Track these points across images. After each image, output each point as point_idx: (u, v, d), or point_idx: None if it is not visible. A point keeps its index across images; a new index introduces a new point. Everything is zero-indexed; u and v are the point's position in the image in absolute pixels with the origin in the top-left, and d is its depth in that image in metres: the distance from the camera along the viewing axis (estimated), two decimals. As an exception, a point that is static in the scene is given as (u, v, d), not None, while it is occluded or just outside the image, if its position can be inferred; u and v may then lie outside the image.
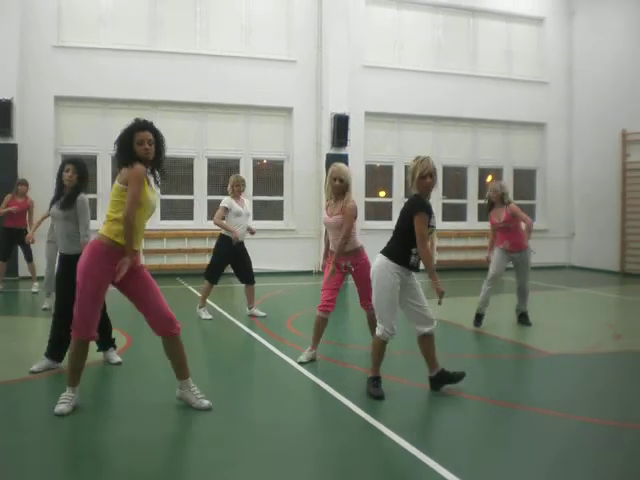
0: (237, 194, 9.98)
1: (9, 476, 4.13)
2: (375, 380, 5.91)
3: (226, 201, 9.91)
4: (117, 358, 6.87)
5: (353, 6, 17.29)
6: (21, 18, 14.79)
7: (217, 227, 10.01)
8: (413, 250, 5.85)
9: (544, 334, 8.91)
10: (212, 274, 9.96)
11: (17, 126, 14.64)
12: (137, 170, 5.17)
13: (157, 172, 5.46)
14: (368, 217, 17.74)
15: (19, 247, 12.38)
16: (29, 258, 12.26)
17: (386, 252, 5.97)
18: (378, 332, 5.85)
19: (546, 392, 6.25)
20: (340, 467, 4.39)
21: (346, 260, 7.03)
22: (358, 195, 17.31)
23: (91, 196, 15.65)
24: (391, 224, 18.69)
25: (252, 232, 10.19)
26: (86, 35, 15.66)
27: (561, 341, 8.58)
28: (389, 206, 18.26)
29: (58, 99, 15.39)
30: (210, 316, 9.76)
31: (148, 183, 5.30)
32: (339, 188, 7.08)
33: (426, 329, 5.93)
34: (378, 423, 5.08)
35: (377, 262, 5.99)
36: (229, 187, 10.06)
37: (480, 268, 17.41)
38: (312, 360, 7.05)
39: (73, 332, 5.25)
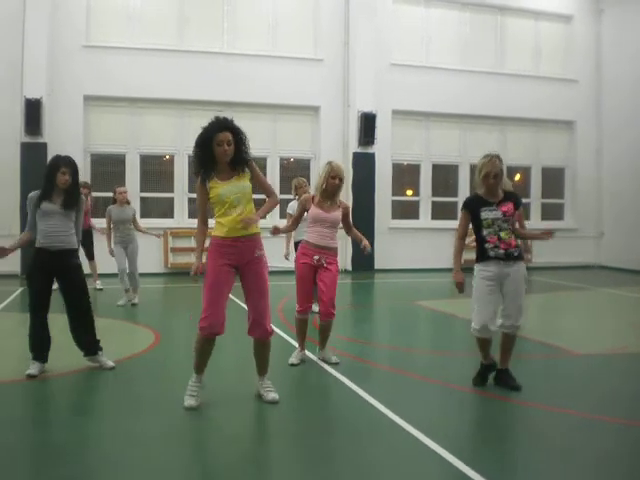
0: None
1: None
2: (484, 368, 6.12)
3: (291, 207, 10.07)
4: (110, 363, 6.65)
5: (380, 4, 17.28)
6: (51, 18, 14.97)
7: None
8: (487, 245, 5.92)
9: (572, 334, 8.83)
10: None
11: (46, 125, 14.81)
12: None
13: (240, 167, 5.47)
14: (395, 216, 17.71)
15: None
16: (91, 256, 12.62)
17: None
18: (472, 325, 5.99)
19: (573, 393, 6.20)
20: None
21: (322, 255, 6.88)
22: (385, 194, 17.35)
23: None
24: (418, 223, 18.77)
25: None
26: (115, 35, 15.80)
27: (589, 341, 8.51)
28: (416, 205, 18.20)
29: (87, 98, 15.52)
30: None
31: (213, 181, 5.41)
32: (338, 187, 6.91)
33: (505, 330, 6.02)
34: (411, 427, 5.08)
35: (522, 269, 6.06)
36: (294, 191, 10.15)
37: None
38: (302, 361, 7.00)
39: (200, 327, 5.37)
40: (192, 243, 15.88)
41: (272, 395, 5.59)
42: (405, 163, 18.49)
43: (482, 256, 5.96)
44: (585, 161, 19.18)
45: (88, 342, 6.58)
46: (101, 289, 12.43)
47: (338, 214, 6.91)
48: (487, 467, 4.22)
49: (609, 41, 18.87)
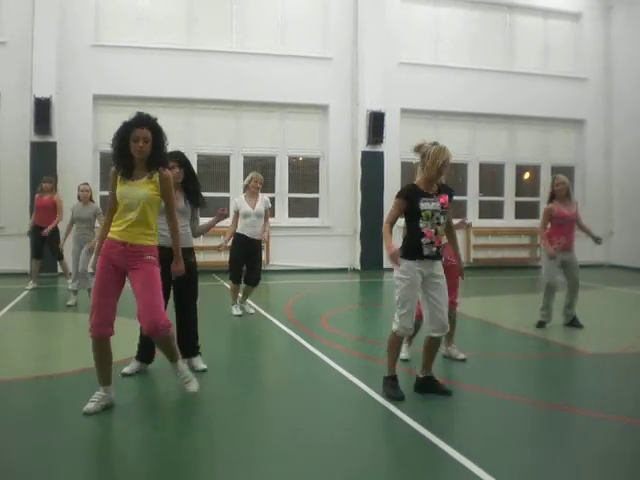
0: (252, 191, 9.94)
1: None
2: (393, 380, 5.77)
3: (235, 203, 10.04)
4: (202, 365, 6.49)
5: (389, 2, 17.27)
6: (60, 17, 15.01)
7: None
8: (423, 240, 5.67)
9: (581, 334, 8.80)
10: (231, 274, 9.97)
11: (56, 124, 14.85)
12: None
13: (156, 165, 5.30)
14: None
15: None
16: (60, 256, 12.35)
17: (401, 249, 5.78)
18: (394, 327, 5.70)
19: (583, 392, 6.19)
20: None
21: None
22: (394, 192, 17.23)
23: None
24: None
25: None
26: (124, 34, 15.83)
27: (598, 341, 8.49)
28: (425, 203, 18.15)
29: (96, 97, 15.56)
30: (240, 312, 9.78)
31: (122, 179, 5.27)
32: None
33: (437, 334, 5.74)
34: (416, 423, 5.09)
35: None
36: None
37: (516, 266, 17.38)
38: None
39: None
40: (201, 242, 15.91)
41: (192, 387, 5.43)
42: (414, 162, 18.36)
43: (414, 253, 5.67)
44: (594, 160, 19.12)
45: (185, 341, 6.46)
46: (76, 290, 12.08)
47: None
48: (495, 466, 4.23)
49: (618, 39, 18.80)
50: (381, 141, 16.83)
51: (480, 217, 18.25)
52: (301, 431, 4.98)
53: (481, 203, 18.42)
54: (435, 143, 5.86)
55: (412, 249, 5.69)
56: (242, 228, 9.74)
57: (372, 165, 16.83)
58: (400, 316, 5.66)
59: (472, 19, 18.32)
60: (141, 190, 5.18)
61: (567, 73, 18.89)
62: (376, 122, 16.68)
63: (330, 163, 17.14)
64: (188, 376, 5.48)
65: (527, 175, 19.27)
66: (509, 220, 18.43)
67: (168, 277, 5.65)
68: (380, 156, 16.92)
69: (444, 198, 5.83)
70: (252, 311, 9.99)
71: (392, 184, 17.18)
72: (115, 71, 15.39)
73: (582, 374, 6.97)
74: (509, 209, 18.66)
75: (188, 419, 5.26)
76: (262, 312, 9.99)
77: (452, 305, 6.61)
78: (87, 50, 15.38)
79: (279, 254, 16.07)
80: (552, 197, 9.04)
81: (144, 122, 5.24)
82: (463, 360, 6.90)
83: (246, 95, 16.23)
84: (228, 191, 16.59)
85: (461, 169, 18.41)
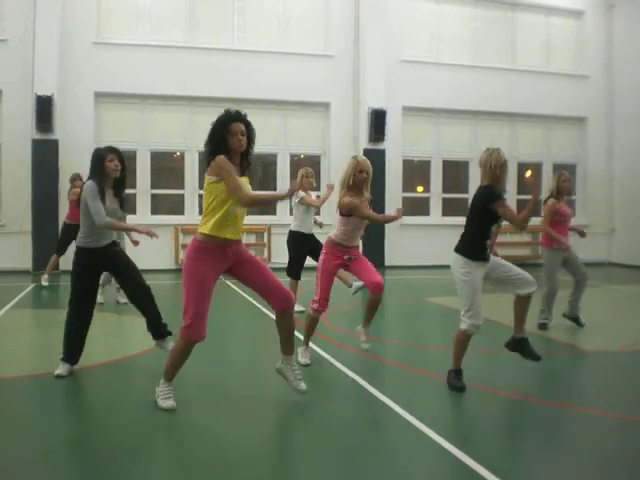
0: (305, 188, 9.82)
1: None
2: (457, 372, 5.93)
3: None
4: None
5: (391, 0, 17.24)
6: (61, 15, 15.02)
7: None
8: (487, 242, 5.85)
9: (582, 331, 8.81)
10: (288, 271, 9.92)
11: (58, 122, 14.87)
12: (220, 160, 5.08)
13: (246, 163, 5.34)
14: (405, 212, 17.58)
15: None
16: None
17: (460, 250, 5.91)
18: (464, 326, 5.81)
19: (584, 390, 6.20)
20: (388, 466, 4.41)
21: (351, 253, 6.88)
22: (396, 190, 17.32)
23: (130, 191, 15.92)
24: (429, 219, 18.73)
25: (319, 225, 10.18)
26: (125, 31, 15.86)
27: (599, 338, 8.49)
28: (426, 201, 18.20)
29: (98, 95, 15.58)
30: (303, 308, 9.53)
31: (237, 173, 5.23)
32: (365, 181, 6.84)
33: (526, 290, 5.91)
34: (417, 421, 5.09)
35: (454, 262, 5.91)
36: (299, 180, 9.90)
37: (517, 264, 17.33)
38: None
39: (183, 331, 5.13)
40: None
41: (302, 385, 5.50)
42: (415, 159, 18.47)
43: (477, 254, 5.83)
44: (596, 158, 19.11)
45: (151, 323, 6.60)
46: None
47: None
48: (495, 462, 4.23)
49: (620, 36, 18.79)
50: (383, 139, 16.82)
51: (481, 215, 18.23)
52: (310, 433, 4.98)
53: (483, 201, 18.37)
54: (487, 150, 5.96)
55: (477, 250, 5.86)
56: (299, 225, 9.78)
57: (373, 163, 16.41)
58: (469, 317, 5.78)
59: (474, 16, 18.32)
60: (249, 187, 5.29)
61: (569, 71, 18.90)
62: (378, 120, 16.68)
63: (332, 161, 17.13)
64: (300, 373, 5.57)
65: (528, 173, 19.25)
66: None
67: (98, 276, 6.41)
68: (382, 154, 16.91)
69: None
70: (302, 309, 9.82)
71: (394, 182, 17.22)
72: (116, 69, 15.41)
73: (583, 372, 6.98)
74: (511, 206, 18.60)
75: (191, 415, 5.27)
76: (264, 310, 9.96)
77: (378, 286, 6.74)
78: (88, 48, 15.39)
79: (281, 252, 16.04)
80: (558, 193, 8.97)
81: (241, 117, 5.26)
82: (366, 350, 6.95)
83: (247, 93, 16.21)
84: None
85: (463, 167, 18.43)
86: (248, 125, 5.27)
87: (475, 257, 5.82)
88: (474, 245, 5.85)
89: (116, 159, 6.34)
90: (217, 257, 5.16)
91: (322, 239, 7.45)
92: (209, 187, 5.16)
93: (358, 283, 9.42)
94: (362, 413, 5.45)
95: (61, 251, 12.42)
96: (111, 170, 6.32)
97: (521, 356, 6.14)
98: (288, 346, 5.53)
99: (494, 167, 5.91)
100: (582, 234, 9.19)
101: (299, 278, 9.85)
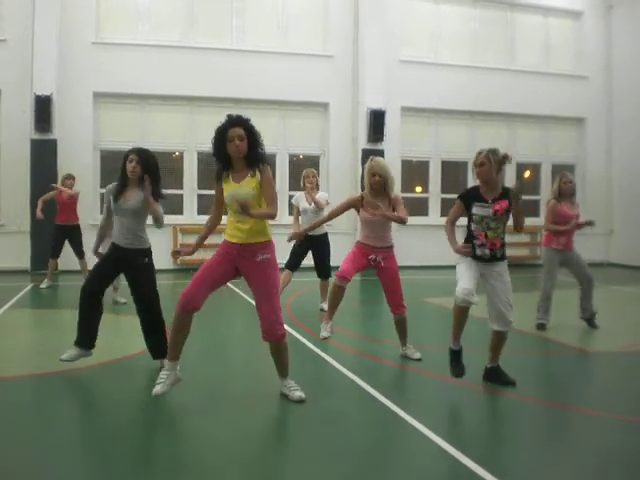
0: (308, 189, 9.84)
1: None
2: (454, 354, 5.93)
3: (296, 199, 9.97)
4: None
5: (390, 0, 17.25)
6: (60, 15, 15.01)
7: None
8: (475, 241, 5.90)
9: (581, 332, 8.82)
10: (288, 263, 10.02)
11: (57, 122, 14.86)
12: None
13: (256, 163, 5.37)
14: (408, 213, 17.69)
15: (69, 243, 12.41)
16: (80, 254, 12.25)
17: None
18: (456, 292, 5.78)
19: (583, 390, 6.21)
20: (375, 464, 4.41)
21: (377, 254, 6.98)
22: (395, 190, 17.28)
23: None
24: (427, 220, 18.72)
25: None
26: (124, 31, 15.85)
27: (598, 339, 8.51)
28: (425, 202, 18.21)
29: (97, 95, 15.57)
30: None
31: (227, 179, 5.40)
32: (378, 184, 6.92)
33: (498, 328, 5.92)
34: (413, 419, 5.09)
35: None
36: (302, 181, 10.03)
37: (516, 264, 17.32)
38: (332, 333, 7.09)
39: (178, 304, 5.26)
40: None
41: (297, 394, 5.55)
42: (414, 160, 18.48)
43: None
44: (595, 158, 19.12)
45: (153, 344, 6.42)
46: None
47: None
48: (493, 462, 4.24)
49: (619, 37, 18.80)
50: (381, 139, 16.84)
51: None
52: (309, 431, 4.99)
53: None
54: (490, 150, 6.02)
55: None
56: (301, 225, 9.78)
57: (372, 163, 16.78)
58: (458, 286, 5.79)
59: (473, 17, 18.33)
60: (247, 190, 5.30)
61: (568, 71, 18.91)
62: (376, 120, 16.69)
63: (331, 161, 17.15)
64: (295, 386, 5.64)
65: (527, 173, 19.27)
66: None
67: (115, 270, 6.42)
68: (380, 154, 16.85)
69: (501, 205, 5.90)
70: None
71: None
72: (115, 69, 15.40)
73: (582, 372, 6.98)
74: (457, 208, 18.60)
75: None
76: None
77: (401, 309, 7.02)
78: (87, 47, 15.38)
79: (279, 252, 16.04)
80: (558, 194, 8.98)
81: (236, 122, 5.30)
82: (419, 359, 6.94)
83: (246, 93, 16.21)
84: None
85: (461, 167, 18.43)
86: (248, 128, 5.32)
87: (474, 257, 5.93)
88: (466, 242, 6.02)
89: (135, 160, 6.22)
90: (224, 256, 5.37)
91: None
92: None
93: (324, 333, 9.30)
94: (360, 412, 5.46)
95: (55, 254, 12.41)
96: (128, 171, 6.25)
97: (498, 384, 6.07)
98: (278, 370, 5.66)
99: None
100: (590, 223, 9.19)
101: (294, 269, 9.96)
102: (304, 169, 10.39)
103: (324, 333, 6.98)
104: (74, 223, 12.25)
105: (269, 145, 17.84)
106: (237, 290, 11.62)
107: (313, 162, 17.39)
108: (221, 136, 5.27)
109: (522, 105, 18.20)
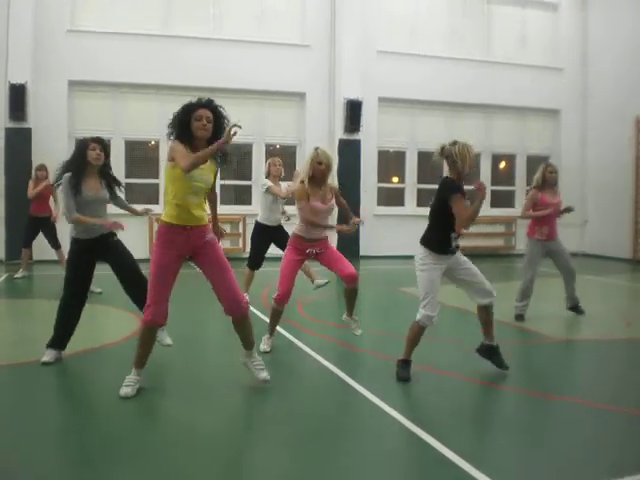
0: (273, 176, 9.70)
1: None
2: (405, 363, 5.92)
3: (265, 182, 9.71)
4: (168, 340, 6.55)
5: (367, -9, 17.26)
6: (35, 2, 14.85)
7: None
8: (453, 235, 5.79)
9: (555, 321, 8.91)
10: (248, 260, 9.88)
11: (31, 110, 14.73)
12: (173, 144, 5.26)
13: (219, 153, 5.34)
14: (380, 203, 17.79)
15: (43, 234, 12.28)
16: (56, 245, 12.05)
17: (425, 241, 5.86)
18: (418, 316, 5.77)
19: (558, 379, 6.27)
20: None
21: (315, 247, 6.86)
22: (371, 181, 17.38)
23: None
24: (404, 210, 18.77)
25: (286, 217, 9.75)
26: (100, 19, 15.70)
27: (572, 328, 8.61)
28: (401, 192, 18.27)
29: (72, 83, 15.44)
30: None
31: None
32: (323, 173, 6.69)
33: (486, 301, 5.96)
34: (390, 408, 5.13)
35: (419, 253, 5.84)
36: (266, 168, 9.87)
37: (490, 255, 17.45)
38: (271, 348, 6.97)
39: (144, 316, 5.30)
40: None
41: (263, 375, 5.57)
42: (391, 150, 18.53)
43: (441, 248, 5.78)
44: (569, 150, 19.26)
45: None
46: None
47: (332, 203, 6.82)
48: (465, 447, 4.30)
49: (595, 30, 18.92)
50: (358, 130, 16.86)
51: (456, 206, 18.38)
52: (282, 420, 5.02)
53: (457, 192, 18.47)
54: (454, 142, 5.79)
55: (441, 242, 5.80)
56: (264, 217, 9.67)
57: (349, 153, 16.85)
58: (423, 307, 5.71)
59: (450, 8, 18.36)
60: (208, 175, 5.33)
61: (544, 63, 19.00)
62: (353, 111, 16.72)
63: (307, 151, 16.99)
64: (261, 364, 5.62)
65: (503, 164, 19.40)
66: (484, 209, 18.27)
67: (93, 264, 6.38)
68: (357, 144, 16.96)
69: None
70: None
71: (369, 172, 17.27)
72: (91, 57, 15.26)
73: (556, 361, 7.05)
74: (465, 204, 18.72)
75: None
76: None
77: (352, 278, 6.78)
78: (63, 35, 15.23)
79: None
80: (542, 183, 9.10)
81: (206, 104, 5.29)
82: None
83: (223, 82, 16.14)
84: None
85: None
86: (217, 113, 5.31)
87: (437, 250, 5.78)
88: (437, 238, 5.82)
89: (98, 148, 6.36)
90: (175, 243, 5.25)
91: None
92: (166, 172, 5.29)
93: (319, 281, 9.50)
94: (333, 399, 5.52)
95: (28, 244, 12.29)
96: (93, 158, 6.33)
97: (491, 363, 6.17)
98: (245, 342, 5.63)
99: (460, 161, 5.74)
100: (569, 209, 9.27)
101: (256, 268, 9.80)
102: (270, 157, 10.23)
103: (264, 347, 6.84)
104: (47, 214, 12.10)
105: (246, 135, 17.83)
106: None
107: (290, 152, 17.40)
108: (187, 114, 5.26)
109: (498, 96, 18.28)
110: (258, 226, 9.75)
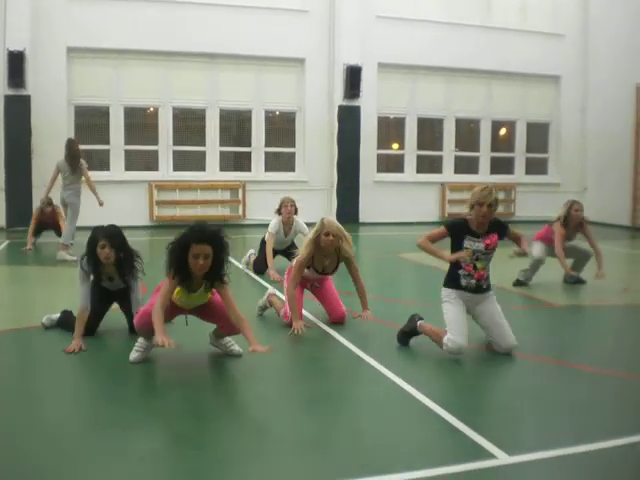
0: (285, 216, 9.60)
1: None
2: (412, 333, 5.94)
3: (273, 225, 9.52)
4: (236, 348, 5.73)
5: (367, -45, 17.10)
6: (33, -32, 14.71)
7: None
8: (460, 271, 5.65)
9: (553, 287, 8.96)
10: (255, 265, 9.72)
11: (30, 77, 14.66)
12: (162, 286, 5.14)
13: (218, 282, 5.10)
14: (380, 169, 17.78)
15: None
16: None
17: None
18: (444, 340, 5.57)
19: (554, 343, 6.31)
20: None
21: (315, 282, 6.85)
22: (370, 147, 17.35)
23: (104, 147, 15.80)
24: (403, 176, 18.72)
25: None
26: (98, -15, 15.56)
27: (570, 294, 8.67)
28: (401, 158, 18.25)
29: (70, 50, 15.34)
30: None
31: (186, 290, 5.16)
32: (332, 244, 6.39)
33: (502, 351, 5.76)
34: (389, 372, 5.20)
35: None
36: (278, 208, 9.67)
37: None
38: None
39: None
40: (177, 196, 15.88)
41: (237, 348, 5.55)
42: (391, 116, 18.48)
43: (452, 283, 5.71)
44: (570, 116, 19.21)
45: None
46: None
47: (334, 272, 6.77)
48: (466, 412, 4.36)
49: (597, -4, 18.78)
50: (358, 95, 16.80)
51: (455, 172, 18.39)
52: (284, 380, 5.09)
53: (457, 158, 18.51)
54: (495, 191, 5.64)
55: (451, 278, 5.74)
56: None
57: (349, 119, 16.83)
58: (449, 332, 5.58)
59: (451, -27, 18.19)
60: (199, 301, 5.32)
61: (545, 29, 18.85)
62: (353, 76, 16.65)
63: (307, 117, 17.10)
64: (231, 341, 5.59)
65: (503, 130, 19.36)
66: (484, 175, 18.50)
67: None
68: (357, 110, 16.91)
69: (491, 239, 5.67)
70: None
71: (368, 139, 17.24)
72: (89, 23, 15.15)
73: (553, 326, 7.12)
74: (484, 165, 18.78)
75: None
76: (239, 266, 9.98)
77: (340, 319, 6.77)
78: (61, 2, 15.10)
79: (255, 209, 16.11)
80: (564, 220, 8.88)
81: (205, 239, 4.91)
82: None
83: (222, 48, 16.09)
84: (204, 145, 16.58)
85: (437, 124, 18.47)
86: (216, 244, 4.98)
87: (450, 285, 5.72)
88: (449, 273, 5.78)
89: (107, 245, 5.87)
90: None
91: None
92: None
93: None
94: (333, 363, 5.58)
95: (35, 235, 12.01)
96: (102, 258, 5.90)
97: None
98: (216, 334, 5.62)
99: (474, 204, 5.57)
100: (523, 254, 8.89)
101: (260, 274, 9.52)
102: (283, 197, 9.96)
103: (261, 301, 6.89)
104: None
105: (245, 101, 17.70)
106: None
107: (289, 119, 17.36)
108: (185, 250, 4.94)
109: (498, 62, 18.17)
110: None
